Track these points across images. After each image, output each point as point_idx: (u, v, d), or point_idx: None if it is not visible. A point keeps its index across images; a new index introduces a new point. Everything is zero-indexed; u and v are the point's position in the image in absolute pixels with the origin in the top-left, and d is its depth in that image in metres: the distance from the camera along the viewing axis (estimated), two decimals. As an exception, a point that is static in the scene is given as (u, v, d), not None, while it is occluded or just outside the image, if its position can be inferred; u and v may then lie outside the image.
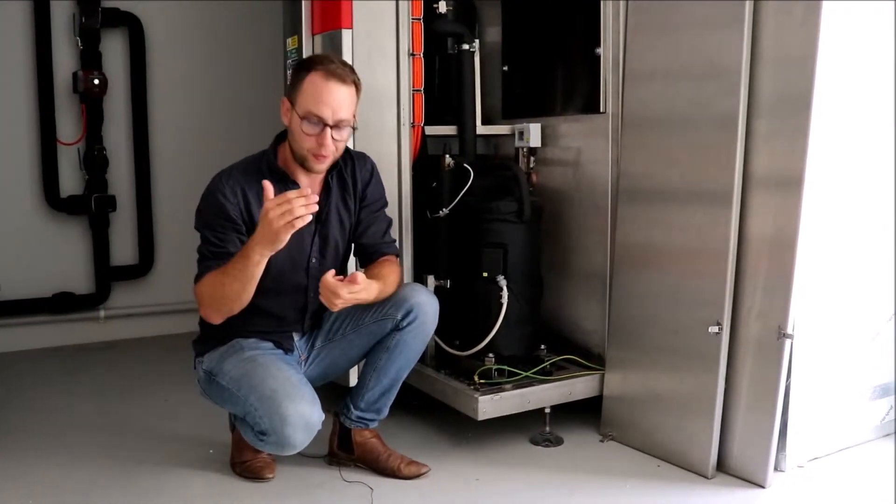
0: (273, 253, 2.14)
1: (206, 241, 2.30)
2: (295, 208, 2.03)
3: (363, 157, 2.52)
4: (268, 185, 2.11)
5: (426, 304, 2.42)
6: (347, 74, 2.28)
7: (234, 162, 2.41)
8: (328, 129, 2.24)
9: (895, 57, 2.63)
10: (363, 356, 2.51)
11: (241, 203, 2.29)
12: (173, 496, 2.40)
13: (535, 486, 2.45)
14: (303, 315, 2.48)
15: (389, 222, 2.56)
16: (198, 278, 2.28)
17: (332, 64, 2.28)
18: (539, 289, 2.96)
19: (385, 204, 2.56)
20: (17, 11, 4.03)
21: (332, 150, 2.28)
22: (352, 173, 2.46)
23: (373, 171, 2.51)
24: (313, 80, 2.25)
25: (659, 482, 2.46)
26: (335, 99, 2.24)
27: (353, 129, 2.35)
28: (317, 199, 2.08)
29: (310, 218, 2.07)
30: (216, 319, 2.30)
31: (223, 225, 2.28)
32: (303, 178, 2.37)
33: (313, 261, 2.41)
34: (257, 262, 2.15)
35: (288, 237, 2.09)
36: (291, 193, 2.06)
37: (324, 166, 2.33)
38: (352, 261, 2.60)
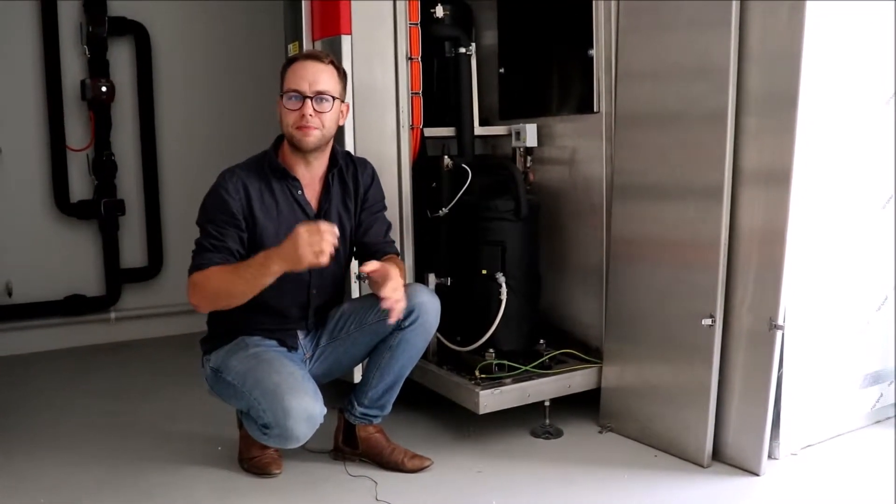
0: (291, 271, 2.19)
1: (206, 234, 2.35)
2: (325, 237, 2.11)
3: (364, 162, 2.58)
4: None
5: (428, 304, 2.47)
6: (324, 55, 2.38)
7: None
8: (308, 101, 2.33)
9: (895, 53, 2.68)
10: (367, 354, 2.56)
11: (242, 199, 2.37)
12: (183, 492, 2.46)
13: (536, 477, 2.50)
14: (305, 311, 2.53)
15: (389, 225, 2.62)
16: (198, 267, 2.30)
17: (308, 51, 2.42)
18: (537, 285, 3.01)
19: (385, 207, 2.61)
20: (26, 21, 4.11)
21: (316, 123, 2.34)
22: (353, 177, 2.52)
23: (373, 176, 2.58)
24: (292, 67, 2.38)
25: (656, 471, 2.52)
26: (310, 73, 2.34)
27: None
28: (336, 234, 2.14)
29: (326, 261, 2.14)
30: (205, 309, 2.39)
31: (225, 220, 2.35)
32: (303, 174, 2.44)
33: (314, 257, 2.48)
34: (274, 274, 2.19)
35: (307, 266, 2.15)
36: (324, 225, 2.13)
37: (311, 140, 2.36)
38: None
